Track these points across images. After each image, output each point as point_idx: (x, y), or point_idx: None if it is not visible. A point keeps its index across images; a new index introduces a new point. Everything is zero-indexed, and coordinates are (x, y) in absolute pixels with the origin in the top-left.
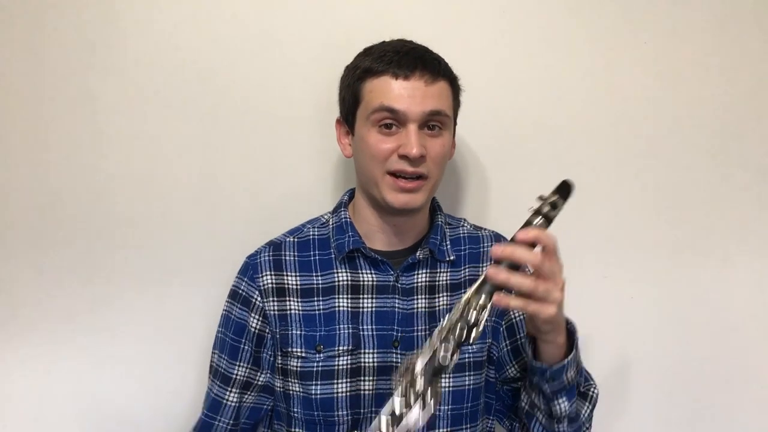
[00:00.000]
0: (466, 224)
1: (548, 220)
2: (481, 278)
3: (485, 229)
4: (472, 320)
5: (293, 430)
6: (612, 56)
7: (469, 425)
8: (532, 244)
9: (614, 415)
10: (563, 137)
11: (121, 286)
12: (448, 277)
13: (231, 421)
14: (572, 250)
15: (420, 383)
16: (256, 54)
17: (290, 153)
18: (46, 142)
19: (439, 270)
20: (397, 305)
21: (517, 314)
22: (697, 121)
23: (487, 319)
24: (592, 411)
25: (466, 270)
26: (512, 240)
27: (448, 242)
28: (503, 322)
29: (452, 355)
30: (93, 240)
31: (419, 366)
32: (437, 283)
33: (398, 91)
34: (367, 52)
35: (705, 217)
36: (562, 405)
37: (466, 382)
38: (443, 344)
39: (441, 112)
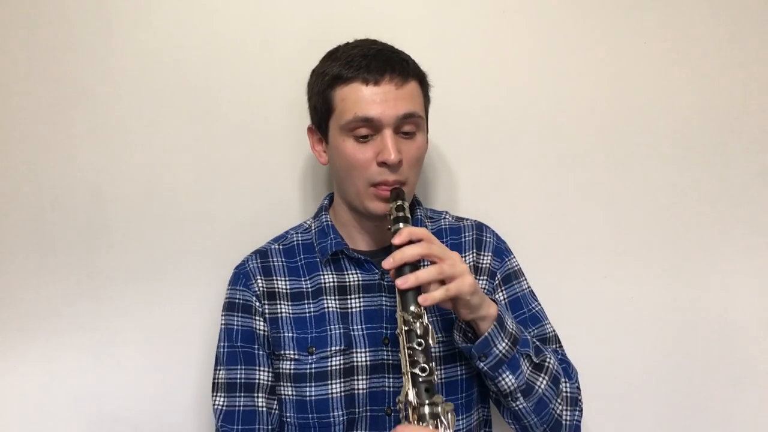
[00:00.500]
0: (447, 216)
1: (406, 220)
2: (398, 296)
3: (467, 219)
4: (421, 331)
5: None
6: (612, 56)
7: (464, 415)
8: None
9: (614, 415)
10: (563, 137)
11: (121, 287)
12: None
13: (269, 427)
14: (573, 250)
15: (426, 409)
16: (243, 61)
17: (295, 154)
18: (45, 143)
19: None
20: (384, 303)
21: (500, 300)
22: (697, 120)
23: (430, 320)
24: (552, 383)
25: None
26: (394, 248)
27: None
28: None
29: (431, 367)
30: (92, 241)
31: (412, 396)
32: None
33: (371, 98)
34: (333, 56)
35: (705, 217)
36: (507, 380)
37: (458, 373)
38: (417, 367)
39: (414, 114)
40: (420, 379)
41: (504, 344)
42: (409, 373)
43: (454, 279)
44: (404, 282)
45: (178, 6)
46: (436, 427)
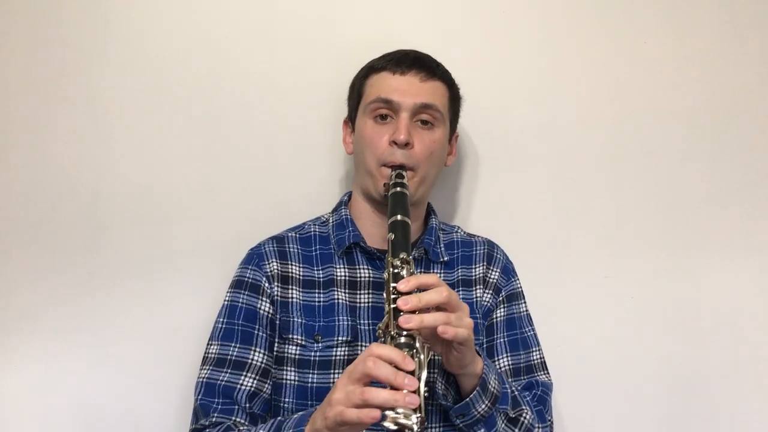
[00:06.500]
0: (459, 231)
1: (404, 186)
2: (391, 313)
3: (478, 236)
4: (407, 275)
5: None
6: (612, 56)
7: None
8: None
9: (614, 414)
10: (564, 137)
11: (121, 287)
12: (442, 278)
13: (249, 407)
14: (574, 250)
15: (402, 339)
16: (264, 55)
17: (293, 155)
18: (45, 144)
19: (432, 271)
20: None
21: (498, 315)
22: (697, 121)
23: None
24: None
25: (459, 271)
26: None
27: (441, 245)
28: (485, 322)
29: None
30: (92, 241)
31: (392, 327)
32: None
33: (394, 85)
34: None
35: (705, 217)
36: None
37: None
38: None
39: (432, 106)
40: (401, 314)
41: (484, 406)
42: (391, 308)
43: (459, 328)
44: (407, 321)
45: (182, 4)
46: (412, 357)
